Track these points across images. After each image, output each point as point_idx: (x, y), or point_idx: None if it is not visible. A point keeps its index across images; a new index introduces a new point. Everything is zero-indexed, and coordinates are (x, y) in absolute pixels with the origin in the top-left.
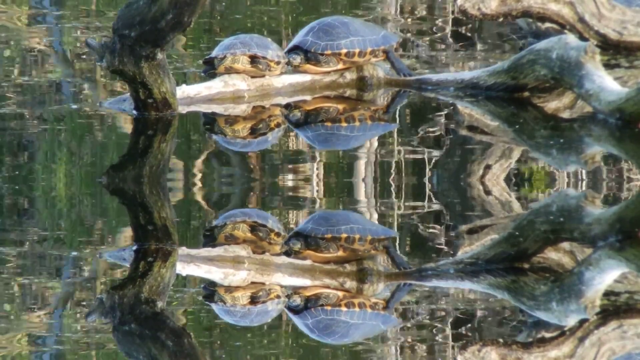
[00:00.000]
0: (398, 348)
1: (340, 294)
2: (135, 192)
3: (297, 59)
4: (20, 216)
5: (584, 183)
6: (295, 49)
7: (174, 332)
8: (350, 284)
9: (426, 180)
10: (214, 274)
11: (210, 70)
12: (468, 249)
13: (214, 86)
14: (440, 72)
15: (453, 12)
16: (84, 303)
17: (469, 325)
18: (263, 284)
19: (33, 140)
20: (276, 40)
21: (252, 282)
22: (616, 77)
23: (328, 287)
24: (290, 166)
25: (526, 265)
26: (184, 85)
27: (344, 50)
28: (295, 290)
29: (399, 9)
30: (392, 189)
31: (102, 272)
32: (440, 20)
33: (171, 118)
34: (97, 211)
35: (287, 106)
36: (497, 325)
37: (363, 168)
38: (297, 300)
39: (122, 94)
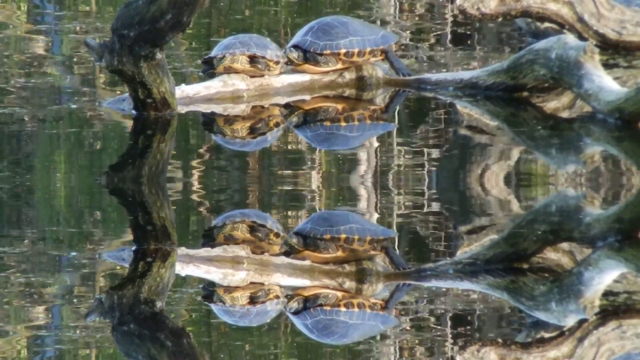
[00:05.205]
0: (397, 348)
1: (340, 294)
2: (135, 192)
3: (295, 54)
4: (19, 216)
5: (583, 183)
6: (294, 49)
7: (173, 332)
8: (349, 284)
9: (425, 180)
10: (213, 274)
11: (209, 70)
12: (467, 249)
13: (213, 86)
14: (439, 72)
15: (453, 10)
16: (83, 303)
17: (468, 325)
18: (262, 284)
19: (33, 141)
20: (275, 40)
21: (251, 283)
22: (615, 77)
23: (327, 287)
24: (289, 166)
25: (525, 266)
26: (183, 85)
27: (343, 50)
28: (295, 290)
29: (398, 9)
30: (391, 189)
31: (101, 272)
32: (439, 20)
33: (170, 118)
34: (96, 211)
35: (287, 106)
36: (496, 326)
37: (362, 168)
38: (296, 301)
39: (121, 93)
